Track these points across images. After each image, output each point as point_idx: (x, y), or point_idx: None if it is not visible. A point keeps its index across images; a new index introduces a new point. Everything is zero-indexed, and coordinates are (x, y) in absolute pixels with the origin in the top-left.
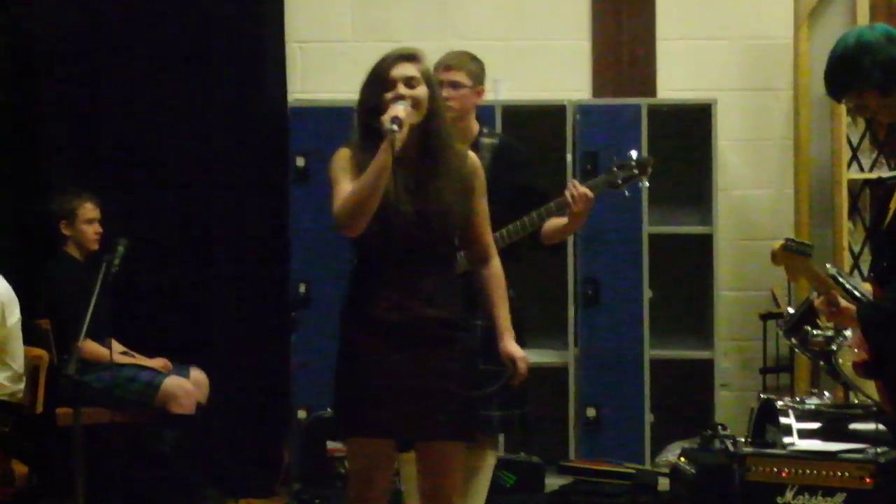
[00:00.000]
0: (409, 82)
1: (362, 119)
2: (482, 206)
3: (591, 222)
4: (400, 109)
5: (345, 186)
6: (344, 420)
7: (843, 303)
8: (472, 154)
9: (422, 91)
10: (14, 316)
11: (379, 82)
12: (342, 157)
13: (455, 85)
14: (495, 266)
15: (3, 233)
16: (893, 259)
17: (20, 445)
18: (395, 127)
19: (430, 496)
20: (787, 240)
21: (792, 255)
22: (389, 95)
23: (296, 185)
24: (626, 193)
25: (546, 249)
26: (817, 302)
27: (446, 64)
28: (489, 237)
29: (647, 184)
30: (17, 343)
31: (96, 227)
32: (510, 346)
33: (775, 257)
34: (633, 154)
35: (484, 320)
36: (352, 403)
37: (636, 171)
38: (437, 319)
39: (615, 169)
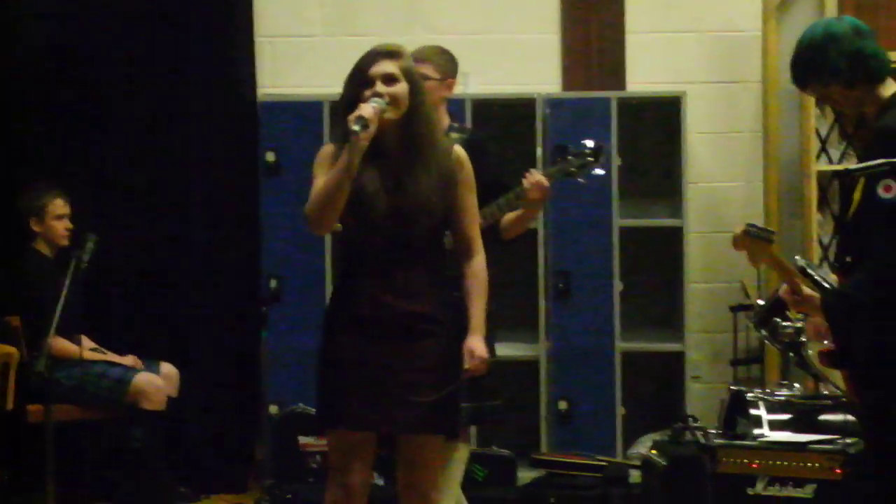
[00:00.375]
0: (388, 79)
1: (342, 115)
2: (467, 200)
3: (562, 215)
4: (367, 109)
5: (318, 182)
6: (324, 412)
7: (807, 291)
8: (458, 149)
9: (400, 88)
10: None
11: (359, 79)
12: (323, 154)
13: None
14: (477, 263)
15: None
16: (857, 249)
17: None
18: (356, 128)
19: (408, 489)
20: (749, 225)
21: (753, 240)
22: (367, 93)
23: (266, 179)
24: (582, 181)
25: (506, 244)
26: (781, 291)
27: (413, 58)
28: (474, 232)
29: (601, 171)
30: None
31: (66, 224)
32: (473, 341)
33: (736, 242)
34: (588, 142)
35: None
36: (332, 396)
37: (591, 159)
38: (412, 313)
39: (570, 157)
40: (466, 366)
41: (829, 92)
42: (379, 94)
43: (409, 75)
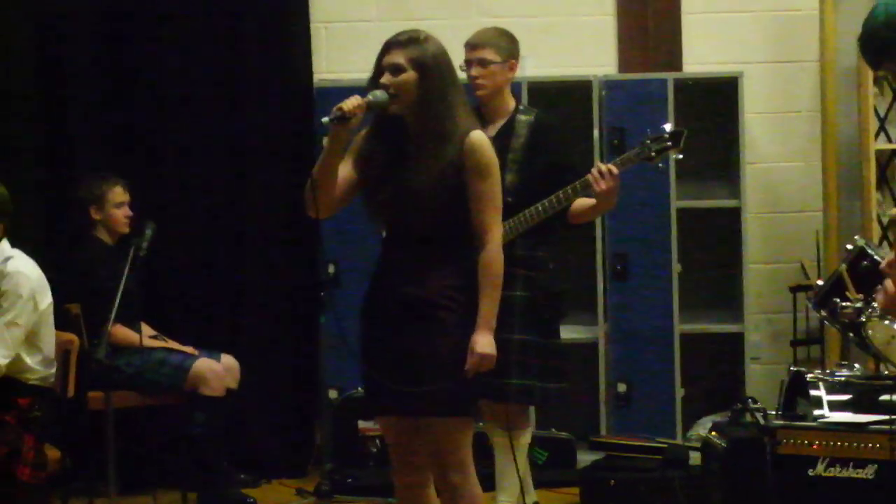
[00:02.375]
0: (395, 70)
1: None
2: (480, 187)
3: (620, 197)
4: (348, 102)
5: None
6: (363, 401)
7: None
8: (474, 135)
9: (404, 78)
10: (46, 301)
11: (376, 67)
12: (357, 138)
13: (482, 62)
14: (487, 253)
15: (33, 218)
16: None
17: (52, 430)
18: (325, 120)
19: (433, 471)
20: None
21: None
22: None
23: None
24: (661, 166)
25: (573, 229)
26: (883, 264)
27: (472, 43)
28: (487, 220)
29: (680, 156)
30: (48, 328)
31: (126, 211)
32: (478, 338)
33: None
34: (667, 127)
35: (525, 290)
36: (363, 384)
37: (669, 144)
38: (415, 298)
39: (648, 142)
40: (466, 364)
41: None
42: (385, 86)
43: (418, 64)
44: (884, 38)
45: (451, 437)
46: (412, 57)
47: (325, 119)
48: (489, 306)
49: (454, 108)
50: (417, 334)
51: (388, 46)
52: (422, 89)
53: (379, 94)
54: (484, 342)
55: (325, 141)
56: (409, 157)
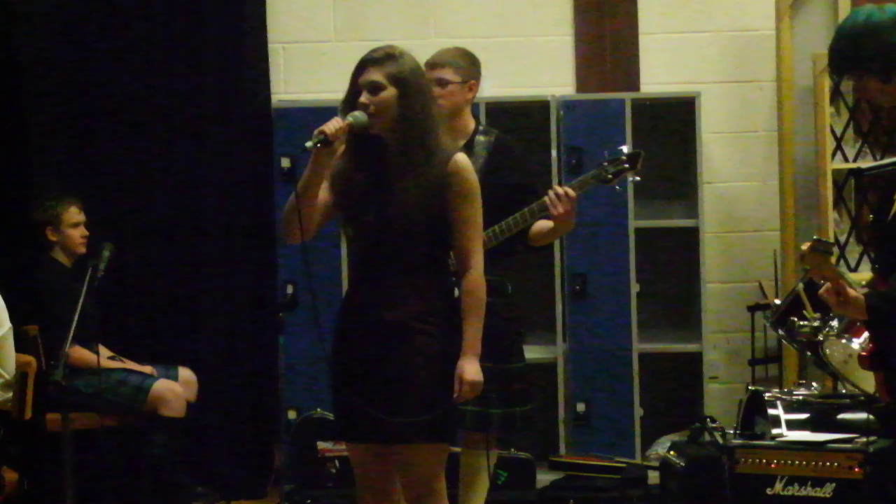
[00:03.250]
0: (373, 88)
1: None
2: (462, 211)
3: (578, 217)
4: (329, 125)
5: None
6: (333, 424)
7: (852, 293)
8: (459, 157)
9: (384, 96)
10: (4, 325)
11: (351, 87)
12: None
13: (441, 82)
14: (470, 278)
15: None
16: None
17: (9, 452)
18: (308, 144)
19: (406, 495)
20: (816, 240)
21: (820, 255)
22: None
23: (281, 185)
24: (618, 188)
25: (534, 251)
26: (822, 290)
27: (433, 62)
28: (469, 245)
29: (637, 178)
30: (8, 352)
31: (82, 231)
32: (466, 365)
33: (804, 258)
34: (624, 148)
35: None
36: (334, 409)
37: (626, 166)
38: (390, 322)
39: (605, 164)
40: (455, 393)
41: (864, 84)
42: (364, 105)
43: (397, 81)
44: (843, 49)
45: (426, 465)
46: (390, 73)
47: (308, 143)
48: (474, 331)
49: (436, 125)
50: (397, 360)
51: (364, 65)
52: (402, 106)
53: (359, 115)
54: (471, 369)
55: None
56: (389, 177)
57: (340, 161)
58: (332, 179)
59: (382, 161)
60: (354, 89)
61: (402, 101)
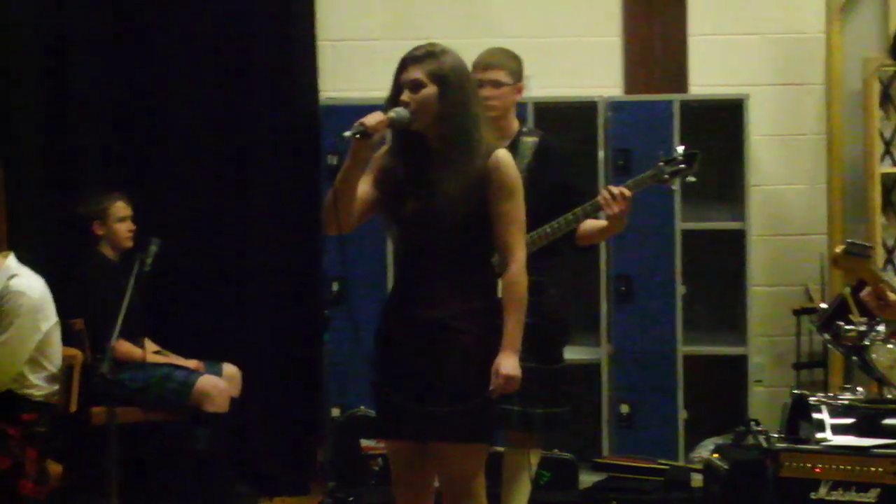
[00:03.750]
0: (414, 86)
1: None
2: (504, 206)
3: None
4: (369, 118)
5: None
6: (374, 421)
7: (892, 296)
8: (500, 153)
9: (425, 93)
10: (50, 320)
11: (394, 85)
12: (375, 157)
13: (496, 84)
14: (512, 273)
15: (37, 234)
16: None
17: (55, 445)
18: (347, 134)
19: (444, 494)
20: (849, 243)
21: (853, 257)
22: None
23: (328, 183)
24: (674, 188)
25: (578, 250)
26: (864, 294)
27: (486, 63)
28: (511, 240)
29: (693, 178)
30: (54, 345)
31: (129, 225)
32: (503, 360)
33: (837, 261)
34: (680, 149)
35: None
36: (374, 405)
37: (683, 166)
38: (431, 320)
39: (662, 164)
40: (491, 386)
41: None
42: (405, 103)
43: (438, 78)
44: None
45: (466, 464)
46: (431, 71)
47: (347, 133)
48: (514, 327)
49: (477, 121)
50: (438, 358)
51: (405, 63)
52: (443, 103)
53: (400, 111)
54: (509, 364)
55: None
56: (431, 173)
57: (383, 157)
58: (375, 175)
59: (424, 157)
60: (396, 87)
61: (443, 99)
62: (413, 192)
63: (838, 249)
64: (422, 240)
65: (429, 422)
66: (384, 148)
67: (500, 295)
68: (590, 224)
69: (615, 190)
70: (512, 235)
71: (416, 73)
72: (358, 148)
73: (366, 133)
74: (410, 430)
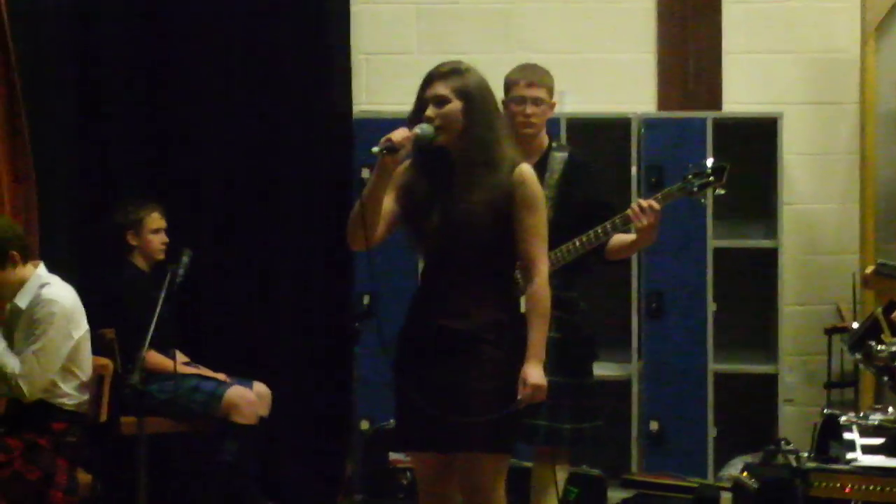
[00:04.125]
0: (439, 102)
1: None
2: (528, 220)
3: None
4: (397, 133)
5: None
6: (395, 434)
7: None
8: (524, 168)
9: (450, 109)
10: (81, 328)
11: (418, 100)
12: (396, 173)
13: (537, 102)
14: (537, 285)
15: (70, 242)
16: None
17: (84, 454)
18: (375, 150)
19: None
20: (880, 264)
21: (885, 279)
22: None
23: (358, 196)
24: (703, 201)
25: (610, 265)
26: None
27: (529, 80)
28: (535, 253)
29: (722, 191)
30: (85, 353)
31: (162, 237)
32: (528, 368)
33: (868, 282)
34: (709, 162)
35: (556, 331)
36: (397, 418)
37: (712, 179)
38: (456, 332)
39: (690, 177)
40: (519, 395)
41: None
42: (429, 119)
43: (463, 94)
44: None
45: (486, 475)
46: (456, 87)
47: (375, 149)
48: (539, 338)
49: (500, 137)
50: (462, 369)
51: (431, 79)
52: (467, 119)
53: (425, 127)
54: (536, 373)
55: (366, 173)
56: (455, 188)
57: (405, 173)
58: (398, 191)
59: (447, 172)
60: (421, 103)
61: (467, 115)
62: (438, 207)
63: (869, 270)
64: (447, 253)
65: (455, 432)
66: (406, 163)
67: (522, 308)
68: (619, 238)
69: (644, 203)
70: (536, 248)
71: (442, 89)
72: (385, 163)
73: (392, 148)
74: (436, 442)
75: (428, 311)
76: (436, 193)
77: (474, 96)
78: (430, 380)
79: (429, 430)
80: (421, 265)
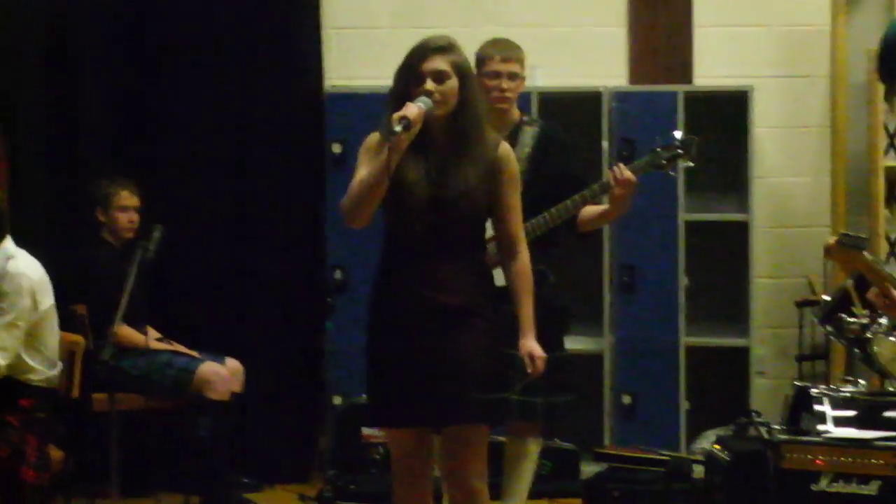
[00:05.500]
0: (439, 76)
1: (392, 107)
2: (511, 197)
3: (627, 209)
4: (412, 109)
5: (360, 173)
6: (373, 410)
7: None
8: (504, 145)
9: (450, 84)
10: (47, 301)
11: (410, 73)
12: (369, 143)
13: (513, 76)
14: (522, 260)
15: (40, 216)
16: None
17: (56, 430)
18: (398, 128)
19: (451, 478)
20: (842, 234)
21: (848, 249)
22: (418, 90)
23: (332, 171)
24: (672, 174)
25: (580, 237)
26: (871, 294)
27: (505, 56)
28: (518, 230)
29: (691, 164)
30: (50, 328)
31: (130, 216)
32: (530, 343)
33: (829, 252)
34: (677, 134)
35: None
36: (378, 394)
37: (680, 151)
38: (450, 306)
39: (659, 150)
40: (528, 370)
41: None
42: (429, 92)
43: (459, 70)
44: (889, 59)
45: (479, 445)
46: (454, 62)
47: (398, 128)
48: (530, 311)
49: (484, 113)
50: (456, 343)
51: (427, 52)
52: (462, 95)
53: (428, 101)
54: (536, 346)
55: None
56: (448, 163)
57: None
58: None
59: (439, 148)
60: (417, 75)
61: (462, 90)
62: (429, 182)
63: (831, 240)
64: (438, 228)
65: (450, 406)
66: (377, 136)
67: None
68: (591, 209)
69: (624, 172)
70: (518, 225)
71: (442, 64)
72: (399, 141)
73: (409, 125)
74: (428, 416)
75: (415, 285)
76: (427, 169)
77: (467, 73)
78: (422, 354)
79: (420, 405)
80: (392, 239)
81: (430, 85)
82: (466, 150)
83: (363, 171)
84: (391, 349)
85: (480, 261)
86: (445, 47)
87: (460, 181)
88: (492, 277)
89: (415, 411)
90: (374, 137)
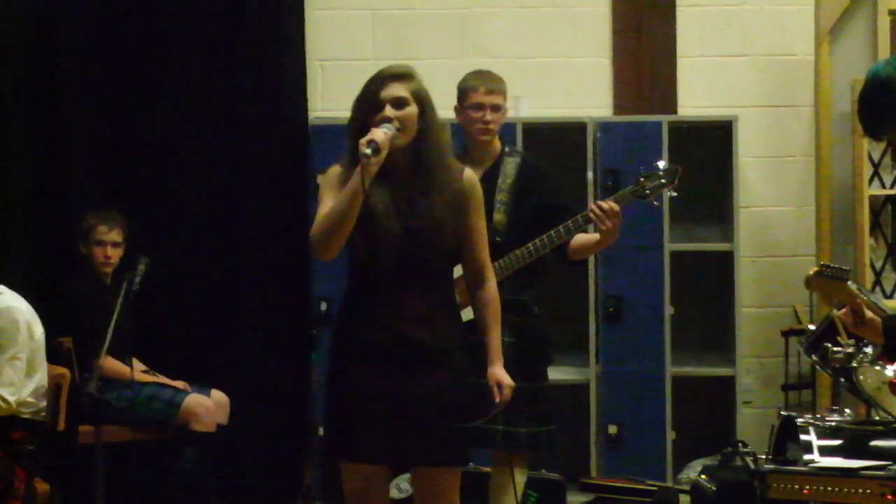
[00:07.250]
0: (398, 103)
1: (351, 137)
2: (478, 224)
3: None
4: (378, 133)
5: (326, 205)
6: (334, 443)
7: (869, 314)
8: (468, 171)
9: (410, 111)
10: (38, 330)
11: (369, 102)
12: (331, 175)
13: (496, 108)
14: (490, 288)
15: (25, 250)
16: None
17: (42, 463)
18: (367, 152)
19: None
20: (822, 266)
21: (828, 280)
22: (377, 118)
23: (316, 202)
24: (656, 203)
25: (570, 265)
26: (840, 313)
27: (489, 88)
28: (485, 257)
29: (674, 193)
30: (41, 358)
31: (106, 251)
32: (498, 371)
33: (809, 283)
34: (661, 164)
35: (510, 335)
36: (340, 427)
37: (664, 181)
38: (423, 342)
39: (642, 179)
40: (497, 399)
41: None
42: (388, 119)
43: (418, 97)
44: (882, 105)
45: (452, 486)
46: (413, 89)
47: (368, 151)
48: (498, 340)
49: (448, 141)
50: (422, 382)
51: (384, 80)
52: (422, 123)
53: (391, 127)
54: (506, 375)
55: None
56: (414, 193)
57: (347, 177)
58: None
59: (403, 177)
60: (375, 104)
61: (422, 118)
62: (397, 213)
63: (811, 271)
64: (406, 260)
65: (415, 447)
66: (338, 168)
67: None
68: (582, 238)
69: (605, 205)
70: (485, 252)
71: (401, 91)
72: (369, 166)
73: (378, 149)
74: (391, 455)
75: (382, 317)
76: (394, 200)
77: (427, 101)
78: (387, 389)
79: (381, 442)
80: (359, 272)
81: (389, 111)
82: (432, 180)
83: (328, 202)
84: (354, 381)
85: (449, 291)
86: (404, 74)
87: (430, 212)
88: (457, 308)
89: (376, 447)
90: (335, 170)
